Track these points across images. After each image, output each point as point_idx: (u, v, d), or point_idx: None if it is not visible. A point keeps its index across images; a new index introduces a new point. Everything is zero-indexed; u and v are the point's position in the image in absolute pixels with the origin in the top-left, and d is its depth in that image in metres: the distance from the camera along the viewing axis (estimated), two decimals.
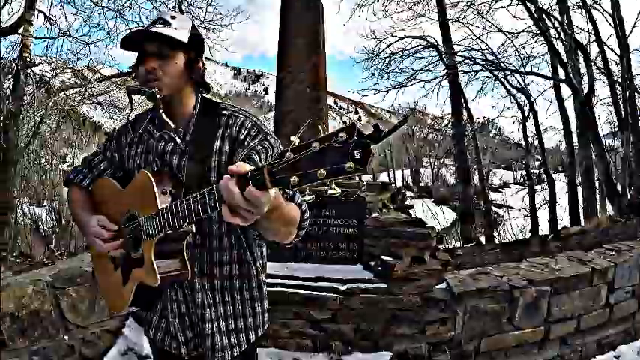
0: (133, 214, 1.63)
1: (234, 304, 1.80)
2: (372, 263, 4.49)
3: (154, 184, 1.53)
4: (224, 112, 1.75)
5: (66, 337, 4.04)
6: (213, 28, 13.84)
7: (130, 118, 1.95)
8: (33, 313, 3.85)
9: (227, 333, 1.79)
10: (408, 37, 12.83)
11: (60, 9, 9.74)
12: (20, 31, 8.93)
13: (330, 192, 1.09)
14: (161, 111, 1.70)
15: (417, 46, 12.84)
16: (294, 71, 6.59)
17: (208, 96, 1.88)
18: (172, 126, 1.74)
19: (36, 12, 9.65)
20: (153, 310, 1.88)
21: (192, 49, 1.74)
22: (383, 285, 4.26)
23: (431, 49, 12.93)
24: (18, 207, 10.76)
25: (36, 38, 9.31)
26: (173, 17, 1.72)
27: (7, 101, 9.82)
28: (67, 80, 13.72)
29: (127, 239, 1.68)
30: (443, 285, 4.36)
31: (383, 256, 4.37)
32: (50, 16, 9.52)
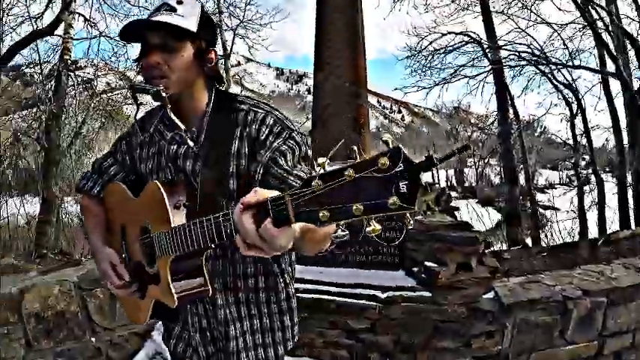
0: (146, 227, 1.51)
1: (260, 317, 1.65)
2: (415, 269, 4.18)
3: (165, 197, 1.39)
4: (241, 106, 1.54)
5: (92, 339, 3.97)
6: (253, 28, 13.82)
7: (138, 118, 1.78)
8: (59, 314, 3.78)
9: (254, 348, 1.64)
10: (450, 33, 12.37)
11: (98, 11, 9.83)
12: (60, 33, 9.07)
13: (368, 229, 0.88)
14: (169, 111, 1.51)
15: (460, 42, 12.39)
16: (332, 64, 6.37)
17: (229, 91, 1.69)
18: (182, 127, 1.54)
19: (76, 15, 9.83)
20: (175, 322, 1.75)
21: (202, 38, 1.51)
22: (426, 294, 3.96)
23: (474, 44, 12.45)
24: (60, 206, 10.93)
25: (74, 39, 9.39)
26: (180, 2, 1.48)
27: (49, 102, 9.98)
28: (111, 82, 13.99)
29: (141, 256, 1.56)
30: (490, 295, 4.02)
31: (426, 262, 4.05)
32: (90, 19, 9.63)
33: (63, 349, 3.79)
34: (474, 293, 3.96)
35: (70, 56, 10.72)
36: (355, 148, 0.92)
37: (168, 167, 1.59)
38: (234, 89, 18.88)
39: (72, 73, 10.97)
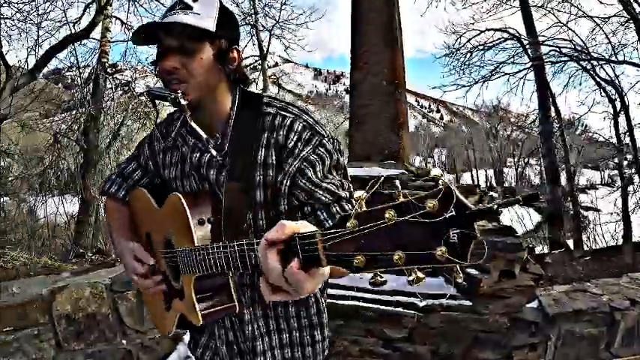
0: (170, 240, 1.43)
1: (290, 332, 1.56)
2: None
3: (188, 212, 1.30)
4: (268, 109, 1.42)
5: (123, 342, 3.94)
6: (289, 28, 13.81)
7: (159, 122, 1.69)
8: (90, 316, 3.76)
9: None
10: (489, 29, 12.05)
11: (134, 14, 9.99)
12: (98, 37, 9.24)
13: (409, 279, 0.78)
14: (189, 119, 1.37)
15: (499, 38, 12.04)
16: (369, 62, 6.21)
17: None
18: (204, 136, 1.42)
19: (113, 19, 10.01)
20: (201, 334, 1.68)
21: (222, 37, 1.37)
22: (467, 302, 3.79)
23: (513, 40, 12.08)
24: (98, 206, 11.15)
25: (111, 42, 9.55)
26: None
27: (88, 105, 10.18)
28: (150, 84, 14.21)
29: (166, 268, 1.50)
30: (534, 304, 3.81)
31: (468, 269, 3.86)
32: (126, 23, 9.79)
33: (93, 351, 3.76)
34: (516, 302, 3.75)
35: (108, 59, 10.94)
36: (398, 183, 0.82)
37: (192, 175, 1.50)
38: (272, 90, 18.94)
39: (110, 76, 11.19)
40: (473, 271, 3.83)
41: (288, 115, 1.40)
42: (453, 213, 0.70)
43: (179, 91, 1.32)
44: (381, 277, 0.85)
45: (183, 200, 1.33)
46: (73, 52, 9.08)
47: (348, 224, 0.81)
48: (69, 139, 11.20)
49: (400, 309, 3.84)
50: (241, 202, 1.38)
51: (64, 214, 11.58)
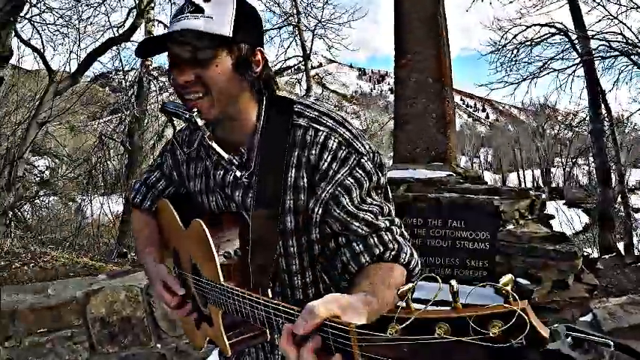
0: (197, 267, 1.32)
1: None
2: None
3: (212, 246, 1.18)
4: (299, 121, 1.22)
5: (158, 346, 3.92)
6: (332, 28, 13.72)
7: (182, 129, 1.52)
8: (124, 320, 3.75)
9: None
10: (535, 25, 11.56)
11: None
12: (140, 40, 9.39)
13: None
14: (209, 140, 1.24)
15: (546, 33, 11.53)
16: (414, 59, 6.00)
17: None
18: (226, 156, 1.26)
19: (155, 22, 10.16)
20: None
21: (242, 41, 1.17)
22: None
23: (561, 35, 11.54)
24: None
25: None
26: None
27: (132, 107, 10.39)
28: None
29: (195, 292, 1.39)
30: (588, 317, 3.52)
31: (518, 279, 3.62)
32: (169, 26, 9.90)
33: (127, 355, 3.75)
34: (569, 316, 3.48)
35: (152, 62, 11.12)
36: (454, 284, 0.66)
37: (218, 194, 1.35)
38: (316, 90, 18.88)
39: (154, 79, 11.39)
40: (523, 281, 3.58)
41: (321, 129, 1.20)
42: (522, 343, 0.57)
43: (195, 110, 1.17)
44: None
45: (207, 231, 1.19)
46: (118, 55, 9.27)
47: (389, 330, 0.68)
48: (114, 140, 11.46)
49: None
50: (270, 229, 1.23)
51: (109, 213, 11.86)
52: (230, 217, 1.29)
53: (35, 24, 5.99)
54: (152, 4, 8.93)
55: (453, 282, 0.66)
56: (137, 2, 7.53)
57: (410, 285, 0.70)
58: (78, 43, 6.41)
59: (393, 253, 1.15)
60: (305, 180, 1.21)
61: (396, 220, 1.22)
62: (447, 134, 5.95)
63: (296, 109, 1.24)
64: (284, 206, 1.23)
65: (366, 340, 0.70)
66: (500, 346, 0.57)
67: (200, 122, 1.17)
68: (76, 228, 9.32)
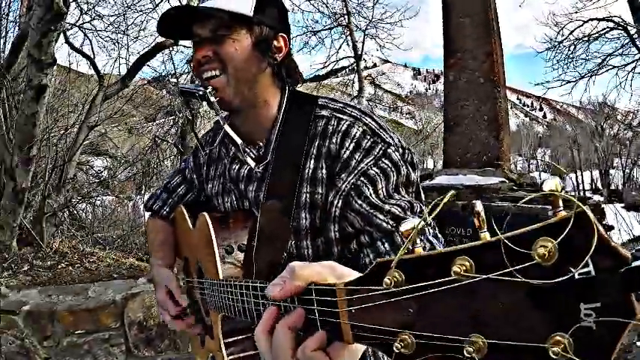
0: (201, 269, 1.25)
1: None
2: None
3: (213, 237, 1.11)
4: (322, 112, 1.15)
5: (194, 352, 3.91)
6: (384, 27, 13.55)
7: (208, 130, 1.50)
8: (162, 324, 3.74)
9: None
10: (592, 19, 10.91)
11: None
12: (189, 43, 9.60)
13: None
14: (223, 123, 1.17)
15: (604, 28, 10.87)
16: (464, 58, 5.76)
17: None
18: (239, 141, 1.19)
19: None
20: None
21: (262, 23, 1.15)
22: None
23: (620, 30, 10.85)
24: None
25: None
26: None
27: (185, 109, 10.62)
28: None
29: (199, 300, 1.32)
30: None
31: None
32: None
33: (163, 359, 3.76)
34: (626, 341, 3.18)
35: (189, 66, 11.34)
36: (478, 207, 0.46)
37: (233, 191, 1.28)
38: (369, 91, 18.73)
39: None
40: None
41: (344, 118, 1.12)
42: (590, 267, 0.36)
43: (209, 87, 1.12)
44: None
45: (209, 220, 1.14)
46: (170, 59, 9.50)
47: (386, 279, 0.49)
48: (167, 142, 11.75)
49: None
50: (281, 224, 1.12)
51: None
52: (240, 214, 1.21)
53: (86, 31, 6.23)
54: None
55: (478, 204, 0.46)
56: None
57: (417, 220, 0.51)
58: (127, 48, 6.60)
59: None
60: (324, 171, 1.11)
61: (403, 224, 1.08)
62: (499, 137, 5.64)
63: (320, 102, 1.18)
64: (299, 200, 1.12)
65: (358, 303, 0.53)
66: (553, 280, 0.37)
67: (212, 99, 1.12)
68: (129, 227, 9.61)
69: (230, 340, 1.13)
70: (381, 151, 1.07)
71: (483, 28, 5.70)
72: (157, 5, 8.42)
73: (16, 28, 5.80)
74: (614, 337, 0.35)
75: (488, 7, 5.74)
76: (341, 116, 1.13)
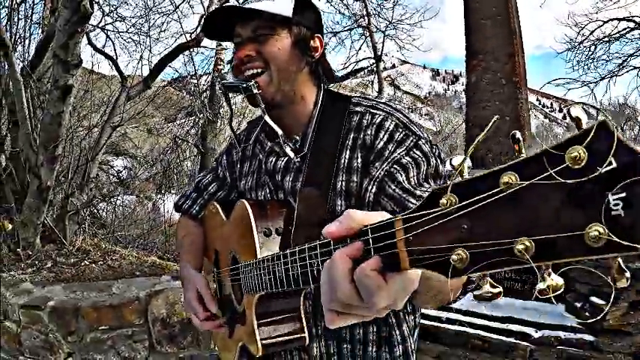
0: (235, 255, 1.29)
1: None
2: (578, 305, 3.45)
3: (252, 221, 1.15)
4: (356, 108, 1.24)
5: (217, 347, 3.93)
6: (403, 28, 13.53)
7: (243, 128, 1.56)
8: (184, 321, 3.77)
9: None
10: (613, 19, 10.71)
11: None
12: (214, 45, 9.68)
13: (540, 286, 0.51)
14: (264, 114, 1.24)
15: (625, 28, 10.67)
16: (485, 60, 5.73)
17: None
18: (280, 132, 1.26)
19: None
20: None
21: (301, 24, 1.25)
22: (588, 337, 3.24)
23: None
24: None
25: (225, 49, 9.95)
26: None
27: (205, 110, 10.71)
28: None
29: (231, 290, 1.35)
30: None
31: (592, 297, 3.30)
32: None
33: (186, 355, 3.79)
34: None
35: (224, 66, 11.43)
36: (518, 135, 0.52)
37: (267, 184, 1.34)
38: (388, 91, 18.68)
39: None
40: (598, 301, 3.26)
41: (378, 112, 1.21)
42: (614, 164, 0.42)
43: (253, 81, 1.20)
44: (494, 286, 0.54)
45: (248, 207, 1.18)
46: (191, 60, 9.58)
47: (442, 201, 0.54)
48: (187, 142, 11.86)
49: (511, 339, 3.39)
50: (318, 211, 1.17)
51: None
52: (277, 202, 1.26)
53: (108, 32, 6.34)
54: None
55: (517, 132, 0.53)
56: (205, 9, 7.74)
57: (463, 156, 0.56)
58: (149, 49, 6.69)
59: None
60: (359, 161, 1.18)
61: (454, 159, 1.12)
62: (522, 138, 5.61)
63: (354, 100, 1.26)
64: (335, 187, 1.19)
65: (414, 228, 0.57)
66: (584, 179, 0.43)
67: (256, 91, 1.19)
68: (149, 226, 9.72)
69: (264, 321, 1.16)
70: (412, 143, 1.13)
71: (505, 29, 5.67)
72: (177, 7, 8.54)
73: (40, 30, 5.92)
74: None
75: (510, 9, 5.70)
76: (374, 111, 1.20)
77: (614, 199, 0.42)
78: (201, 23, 1.39)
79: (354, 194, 1.18)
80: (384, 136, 1.16)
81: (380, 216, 0.66)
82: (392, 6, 13.07)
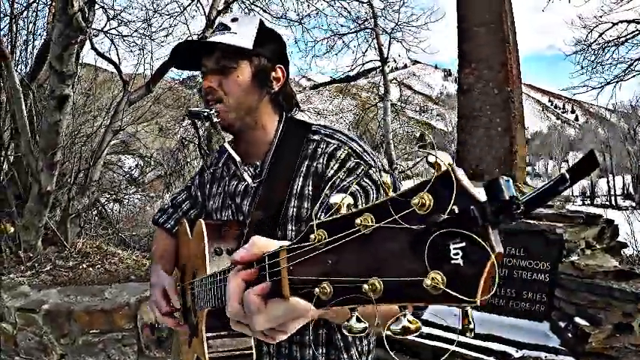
0: (194, 272, 1.34)
1: None
2: (562, 325, 3.41)
3: (206, 240, 1.21)
4: (314, 137, 1.29)
5: (179, 355, 4.02)
6: (410, 30, 13.49)
7: (215, 151, 1.61)
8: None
9: None
10: (622, 21, 10.56)
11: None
12: None
13: (393, 327, 0.50)
14: (224, 141, 1.32)
15: (634, 31, 10.51)
16: (478, 68, 5.70)
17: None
18: (238, 159, 1.31)
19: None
20: None
21: (261, 55, 1.30)
22: (570, 359, 3.18)
23: None
24: None
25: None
26: (234, 20, 1.32)
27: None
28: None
29: (191, 303, 1.39)
30: None
31: (577, 318, 3.28)
32: None
33: None
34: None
35: None
36: (386, 178, 0.56)
37: (230, 207, 1.40)
38: (394, 93, 18.62)
39: None
40: (582, 322, 3.24)
41: (332, 141, 1.25)
42: (456, 210, 0.44)
43: (213, 110, 1.26)
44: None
45: (204, 226, 1.23)
46: None
47: (311, 236, 0.59)
48: (194, 144, 11.98)
49: (491, 358, 3.35)
50: (269, 234, 1.21)
51: None
52: (233, 223, 1.30)
53: (112, 37, 6.44)
54: (221, 15, 9.24)
55: (384, 175, 0.58)
56: (207, 13, 7.81)
57: (342, 195, 0.59)
58: (151, 53, 6.80)
59: None
60: (310, 188, 1.24)
61: (333, 197, 1.16)
62: (513, 149, 5.56)
63: (313, 128, 1.31)
64: (286, 213, 1.24)
65: (295, 258, 0.62)
66: (425, 225, 0.45)
67: (215, 119, 1.25)
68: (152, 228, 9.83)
69: (211, 334, 1.19)
70: (362, 172, 1.17)
71: (498, 37, 5.61)
72: (185, 9, 8.64)
73: (44, 36, 6.05)
74: (479, 272, 0.42)
75: (503, 16, 5.66)
76: (329, 140, 1.25)
77: (454, 248, 0.43)
78: (168, 55, 1.47)
79: (305, 220, 1.22)
80: (334, 165, 1.21)
81: (281, 244, 0.71)
82: (398, 8, 13.03)
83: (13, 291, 3.95)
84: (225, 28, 1.29)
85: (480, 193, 0.44)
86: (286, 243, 0.68)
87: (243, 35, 1.28)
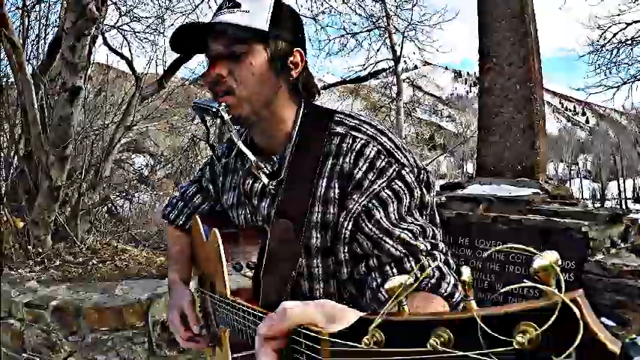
0: (213, 283, 1.25)
1: None
2: None
3: (222, 254, 1.12)
4: (337, 129, 1.13)
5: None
6: (422, 30, 13.43)
7: (225, 140, 1.49)
8: None
9: None
10: (636, 22, 10.39)
11: None
12: None
13: None
14: (237, 139, 1.13)
15: None
16: (499, 63, 5.60)
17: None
18: (253, 159, 1.16)
19: None
20: None
21: (279, 38, 1.12)
22: None
23: None
24: None
25: None
26: None
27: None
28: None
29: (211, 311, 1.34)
30: None
31: (603, 318, 3.16)
32: None
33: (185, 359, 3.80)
34: None
35: None
36: (464, 274, 0.44)
37: (246, 206, 1.27)
38: (407, 93, 18.53)
39: None
40: (609, 322, 3.12)
41: (359, 136, 1.10)
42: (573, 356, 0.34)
43: (223, 104, 1.09)
44: None
45: (219, 237, 1.14)
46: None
47: (365, 339, 0.49)
48: (204, 141, 11.96)
49: None
50: (291, 245, 1.11)
51: None
52: (251, 231, 1.20)
53: (124, 32, 6.40)
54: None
55: (465, 269, 0.45)
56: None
57: (405, 277, 0.49)
58: (164, 49, 6.73)
59: (432, 281, 0.95)
60: (336, 191, 1.09)
61: (441, 245, 1.03)
62: (535, 146, 5.44)
63: (336, 118, 1.15)
64: (310, 219, 1.11)
65: (339, 355, 0.54)
66: None
67: (226, 116, 1.09)
68: (166, 223, 9.80)
69: (237, 355, 1.13)
70: (394, 173, 1.05)
71: (519, 31, 5.51)
72: (197, 7, 8.58)
73: (56, 29, 6.01)
74: None
75: (526, 10, 5.55)
76: (356, 134, 1.10)
77: None
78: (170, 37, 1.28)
79: (331, 226, 1.10)
80: (363, 165, 1.06)
81: (319, 308, 0.63)
82: (411, 7, 12.97)
83: (21, 286, 3.89)
84: (234, 5, 1.10)
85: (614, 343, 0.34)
86: (326, 328, 0.59)
87: (256, 13, 1.10)
